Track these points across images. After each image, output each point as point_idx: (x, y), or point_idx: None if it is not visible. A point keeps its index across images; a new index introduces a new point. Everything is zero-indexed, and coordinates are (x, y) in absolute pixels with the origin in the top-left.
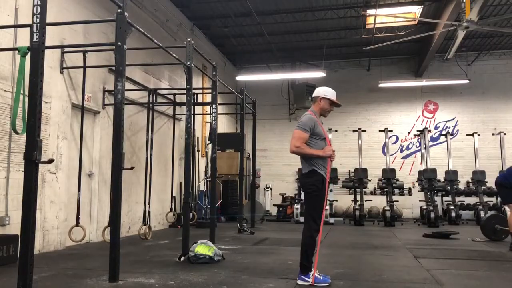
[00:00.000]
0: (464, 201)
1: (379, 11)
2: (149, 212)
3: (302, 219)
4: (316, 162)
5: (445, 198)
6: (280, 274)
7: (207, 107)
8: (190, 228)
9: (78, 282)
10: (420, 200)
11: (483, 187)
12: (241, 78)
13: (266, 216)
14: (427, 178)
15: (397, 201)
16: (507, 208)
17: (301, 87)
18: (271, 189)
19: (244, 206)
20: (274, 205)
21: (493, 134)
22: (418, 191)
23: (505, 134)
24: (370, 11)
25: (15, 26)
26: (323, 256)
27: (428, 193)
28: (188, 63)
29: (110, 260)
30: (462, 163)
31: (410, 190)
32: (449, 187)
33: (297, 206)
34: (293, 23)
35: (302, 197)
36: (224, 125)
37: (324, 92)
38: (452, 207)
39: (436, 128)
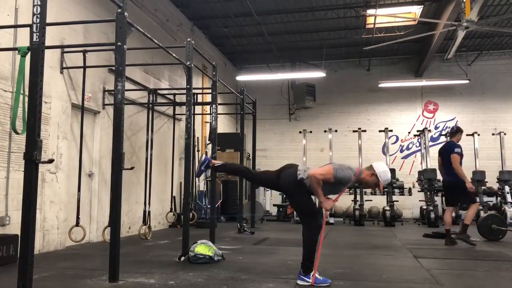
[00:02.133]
0: None
1: (379, 11)
2: (149, 212)
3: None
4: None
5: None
6: (280, 274)
7: (207, 107)
8: (190, 228)
9: (78, 282)
10: (420, 200)
11: (483, 187)
12: (241, 78)
13: (266, 216)
14: (427, 178)
15: (397, 201)
16: (507, 208)
17: (301, 87)
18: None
19: (244, 206)
20: (274, 205)
21: (493, 134)
22: (418, 191)
23: (505, 134)
24: (370, 11)
25: (15, 26)
26: (323, 256)
27: (428, 193)
28: (188, 63)
29: (110, 260)
30: (462, 163)
31: (410, 190)
32: None
33: None
34: (293, 23)
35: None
36: (224, 125)
37: (383, 175)
38: None
39: (436, 128)
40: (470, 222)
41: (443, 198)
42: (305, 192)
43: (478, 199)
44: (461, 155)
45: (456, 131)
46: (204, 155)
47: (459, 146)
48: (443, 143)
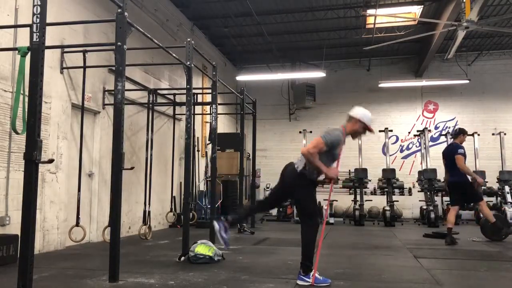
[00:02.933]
0: None
1: (379, 11)
2: (149, 212)
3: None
4: (314, 171)
5: (445, 198)
6: (280, 274)
7: (207, 107)
8: (190, 228)
9: (78, 282)
10: (420, 200)
11: (483, 187)
12: (241, 78)
13: (266, 216)
14: (427, 178)
15: (397, 201)
16: (507, 208)
17: (301, 87)
18: (271, 189)
19: (243, 205)
20: None
21: (493, 134)
22: (418, 191)
23: (505, 134)
24: (370, 11)
25: (15, 26)
26: (323, 256)
27: (428, 193)
28: (188, 63)
29: (110, 260)
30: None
31: (410, 190)
32: None
33: None
34: (293, 23)
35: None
36: (224, 125)
37: (363, 115)
38: None
39: (436, 128)
40: (492, 217)
41: (443, 198)
42: (307, 186)
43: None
44: (464, 156)
45: (459, 133)
46: (215, 223)
47: (462, 147)
48: (447, 145)
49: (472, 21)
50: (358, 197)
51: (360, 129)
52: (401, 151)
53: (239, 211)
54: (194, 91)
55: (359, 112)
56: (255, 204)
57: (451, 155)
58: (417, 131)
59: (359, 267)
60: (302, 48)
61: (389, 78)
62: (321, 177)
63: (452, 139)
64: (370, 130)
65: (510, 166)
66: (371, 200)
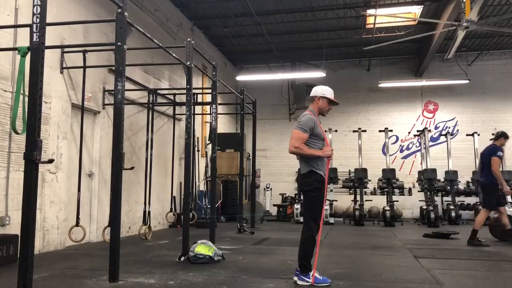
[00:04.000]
0: (464, 201)
1: (379, 11)
2: (149, 212)
3: (302, 219)
4: (314, 162)
5: (445, 198)
6: (280, 274)
7: (207, 107)
8: (190, 228)
9: (78, 282)
10: (420, 200)
11: None
12: (241, 78)
13: (266, 216)
14: (427, 178)
15: (397, 201)
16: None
17: (301, 87)
18: (271, 189)
19: (244, 206)
20: (274, 205)
21: (493, 134)
22: (418, 191)
23: None
24: (370, 11)
25: (15, 26)
26: (323, 256)
27: (428, 193)
28: (188, 63)
29: (110, 260)
30: (462, 163)
31: (410, 190)
32: (449, 187)
33: (297, 206)
34: (293, 23)
35: (302, 197)
36: (224, 125)
37: (322, 91)
38: (452, 207)
39: (436, 128)
40: (509, 225)
41: (442, 198)
42: (316, 188)
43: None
44: (501, 158)
45: (500, 135)
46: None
47: (502, 150)
48: (486, 146)
49: (472, 21)
50: (358, 197)
51: (324, 104)
52: (401, 151)
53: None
54: (194, 91)
55: (317, 89)
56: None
57: (488, 156)
58: (417, 131)
59: (359, 267)
60: (302, 48)
61: (389, 78)
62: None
63: (492, 141)
64: (335, 103)
65: (510, 166)
66: (371, 200)
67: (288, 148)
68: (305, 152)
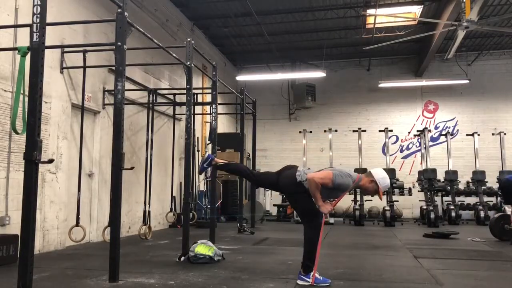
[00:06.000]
0: (464, 201)
1: (379, 11)
2: (149, 212)
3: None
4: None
5: (445, 198)
6: (280, 274)
7: (207, 107)
8: (190, 228)
9: (78, 282)
10: (420, 200)
11: (483, 187)
12: (241, 78)
13: (266, 216)
14: (427, 178)
15: (397, 201)
16: (507, 208)
17: (301, 87)
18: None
19: (244, 206)
20: (274, 205)
21: (493, 134)
22: (418, 191)
23: (505, 134)
24: (370, 11)
25: (15, 26)
26: (323, 256)
27: (428, 193)
28: (188, 63)
29: (110, 260)
30: (462, 163)
31: (410, 190)
32: (449, 187)
33: None
34: (293, 23)
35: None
36: (224, 125)
37: (382, 181)
38: (452, 207)
39: (436, 128)
40: None
41: (443, 198)
42: (304, 192)
43: None
44: None
45: None
46: (207, 153)
47: None
48: None
49: (472, 21)
50: (358, 197)
51: (371, 189)
52: (401, 151)
53: (230, 164)
54: (194, 91)
55: (380, 175)
56: (244, 169)
57: None
58: (417, 131)
59: (359, 267)
60: (302, 48)
61: (389, 78)
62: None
63: None
64: (380, 196)
65: (510, 166)
66: (371, 200)
67: (311, 175)
68: (315, 192)
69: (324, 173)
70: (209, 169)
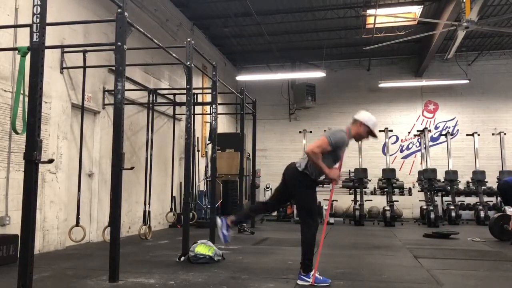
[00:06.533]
0: (464, 201)
1: (379, 11)
2: (149, 212)
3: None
4: (315, 171)
5: (445, 198)
6: (280, 274)
7: (207, 107)
8: (190, 228)
9: (78, 282)
10: (420, 200)
11: (483, 187)
12: (241, 78)
13: (266, 216)
14: (427, 178)
15: (397, 201)
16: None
17: (301, 87)
18: (271, 189)
19: (244, 206)
20: None
21: (493, 134)
22: (418, 191)
23: (505, 134)
24: (370, 11)
25: (15, 26)
26: (323, 256)
27: (428, 193)
28: (188, 63)
29: (110, 260)
30: (462, 163)
31: (410, 190)
32: (449, 187)
33: None
34: (293, 23)
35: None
36: (224, 125)
37: (368, 119)
38: (452, 207)
39: (436, 128)
40: None
41: (442, 198)
42: (309, 186)
43: None
44: None
45: None
46: (217, 219)
47: None
48: None
49: (472, 21)
50: (358, 197)
51: (364, 132)
52: (401, 151)
53: (241, 211)
54: (194, 91)
55: (364, 116)
56: (256, 205)
57: None
58: (417, 131)
59: (359, 267)
60: (302, 48)
61: (389, 78)
62: (322, 177)
63: None
64: (374, 135)
65: (510, 166)
66: (371, 200)
67: (308, 147)
68: (318, 162)
69: (319, 140)
70: (229, 231)
